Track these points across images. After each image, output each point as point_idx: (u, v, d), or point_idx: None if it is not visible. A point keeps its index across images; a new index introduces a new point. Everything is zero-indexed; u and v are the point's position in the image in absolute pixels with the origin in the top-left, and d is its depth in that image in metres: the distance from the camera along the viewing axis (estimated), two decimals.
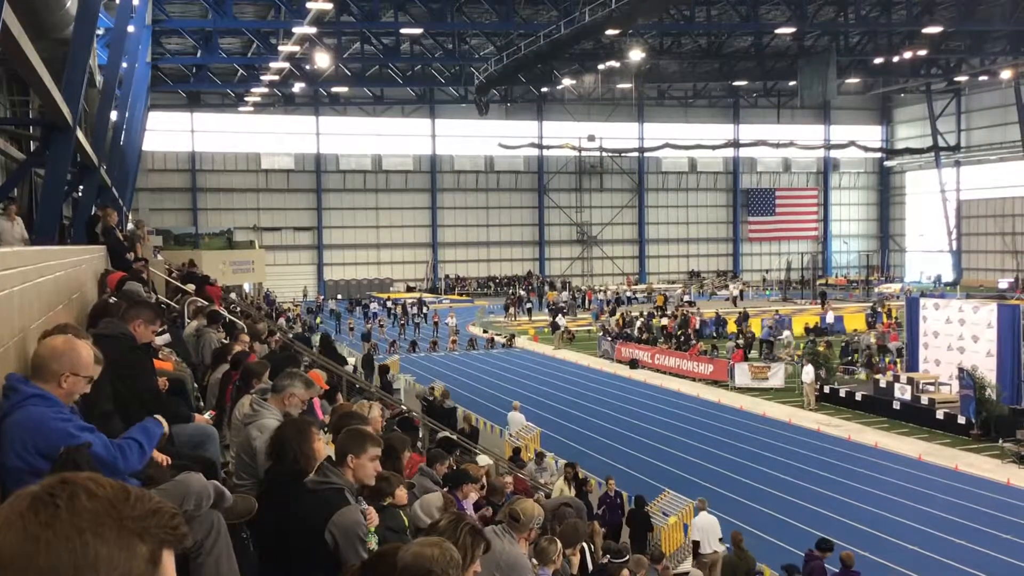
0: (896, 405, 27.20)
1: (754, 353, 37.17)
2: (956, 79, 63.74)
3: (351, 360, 25.75)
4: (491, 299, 64.43)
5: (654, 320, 44.51)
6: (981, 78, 62.14)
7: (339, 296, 62.88)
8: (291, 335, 22.24)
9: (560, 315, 47.49)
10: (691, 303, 54.91)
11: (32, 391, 3.43)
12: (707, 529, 14.93)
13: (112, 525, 1.27)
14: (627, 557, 11.14)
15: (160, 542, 1.31)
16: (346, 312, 54.13)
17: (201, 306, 11.55)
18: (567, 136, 69.86)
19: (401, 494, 5.96)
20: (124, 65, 22.08)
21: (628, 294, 61.65)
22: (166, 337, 7.85)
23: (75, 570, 1.23)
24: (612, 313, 50.16)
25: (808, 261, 69.24)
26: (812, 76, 54.07)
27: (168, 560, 1.32)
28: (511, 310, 54.46)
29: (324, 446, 4.85)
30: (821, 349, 33.34)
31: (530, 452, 20.29)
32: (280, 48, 43.37)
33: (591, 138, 70.07)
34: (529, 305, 56.07)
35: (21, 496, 1.29)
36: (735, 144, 73.05)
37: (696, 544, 14.98)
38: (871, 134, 77.78)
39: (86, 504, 1.27)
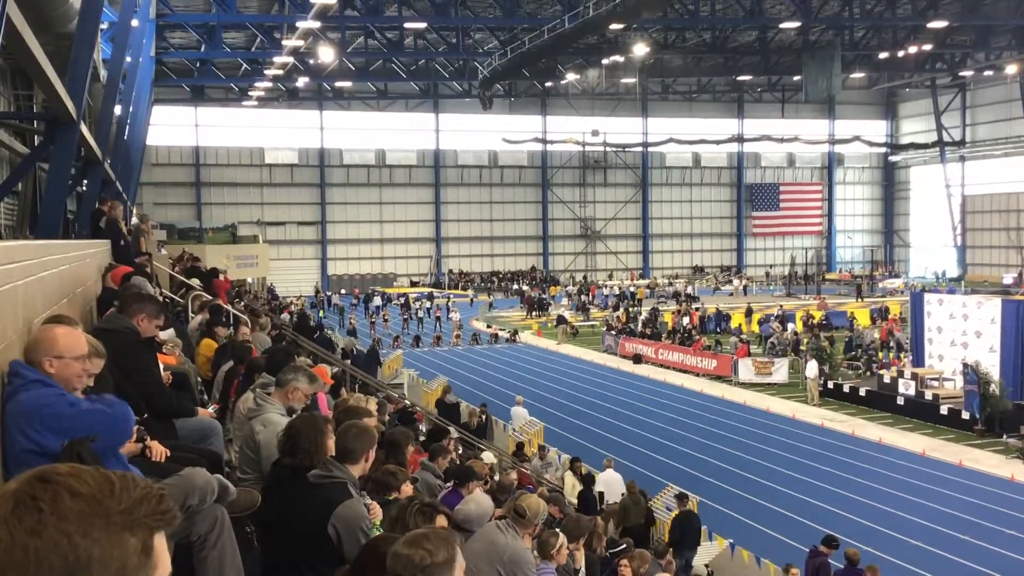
0: (900, 400, 27.18)
1: (757, 349, 37.15)
2: (961, 74, 63.59)
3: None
4: (494, 294, 64.39)
5: (621, 311, 45.66)
6: (986, 73, 61.95)
7: (343, 291, 62.91)
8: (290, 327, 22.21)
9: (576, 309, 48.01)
10: (694, 298, 54.93)
11: (35, 376, 3.51)
12: (611, 483, 16.91)
13: (100, 524, 1.23)
14: (622, 545, 11.18)
15: (150, 530, 1.28)
16: (350, 307, 54.02)
17: (205, 300, 11.57)
18: (571, 131, 69.74)
19: (407, 489, 5.96)
20: (128, 59, 22.05)
21: (631, 289, 61.60)
22: (170, 332, 7.86)
23: (69, 575, 1.20)
24: (616, 308, 50.20)
25: (812, 256, 69.11)
26: (817, 71, 53.97)
27: (160, 543, 1.30)
28: (539, 312, 54.07)
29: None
30: (825, 345, 33.30)
31: (533, 447, 20.31)
32: (284, 42, 43.34)
33: (595, 133, 70.00)
34: (546, 301, 56.07)
35: (2, 498, 1.25)
36: (739, 139, 72.88)
37: (600, 495, 16.64)
38: (876, 129, 77.56)
39: (71, 505, 1.23)
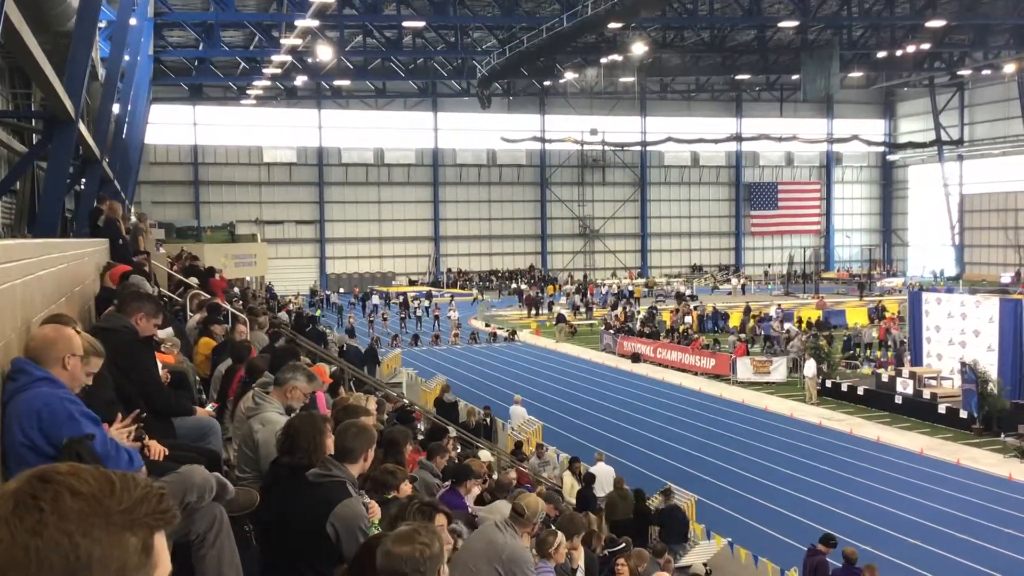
0: (898, 399, 27.20)
1: (755, 347, 37.18)
2: (959, 73, 63.62)
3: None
4: (488, 292, 64.39)
5: (619, 310, 45.91)
6: (984, 72, 62.01)
7: (341, 289, 62.86)
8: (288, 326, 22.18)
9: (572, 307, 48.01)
10: (693, 297, 54.93)
11: (41, 374, 3.52)
12: (603, 476, 16.85)
13: (100, 523, 1.24)
14: (621, 544, 11.18)
15: (150, 529, 1.29)
16: (348, 305, 53.93)
17: (203, 299, 11.57)
18: (569, 130, 69.73)
19: (406, 488, 5.96)
20: (126, 58, 22.05)
21: (630, 288, 61.60)
22: (168, 330, 7.85)
23: (69, 574, 1.21)
24: (614, 307, 50.21)
25: (810, 255, 69.12)
26: (815, 70, 53.99)
27: (160, 543, 1.30)
28: (538, 311, 53.86)
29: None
30: (823, 344, 33.31)
31: (531, 446, 20.31)
32: (282, 41, 43.29)
33: (593, 132, 69.98)
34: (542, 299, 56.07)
35: (2, 497, 1.25)
36: (738, 138, 72.89)
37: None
38: (874, 128, 77.59)
39: (71, 505, 1.24)
